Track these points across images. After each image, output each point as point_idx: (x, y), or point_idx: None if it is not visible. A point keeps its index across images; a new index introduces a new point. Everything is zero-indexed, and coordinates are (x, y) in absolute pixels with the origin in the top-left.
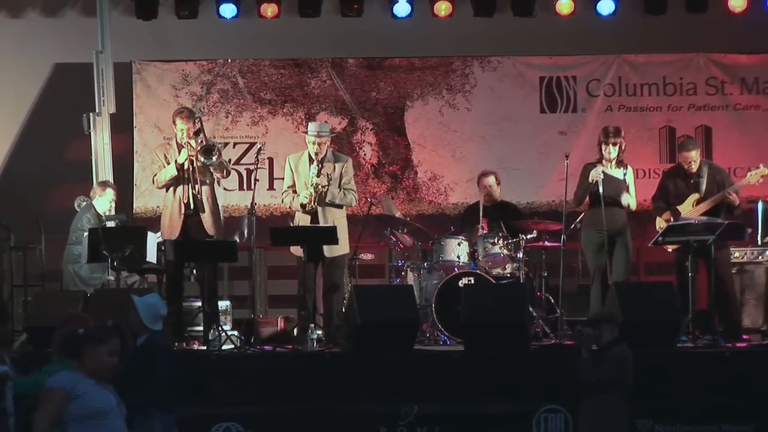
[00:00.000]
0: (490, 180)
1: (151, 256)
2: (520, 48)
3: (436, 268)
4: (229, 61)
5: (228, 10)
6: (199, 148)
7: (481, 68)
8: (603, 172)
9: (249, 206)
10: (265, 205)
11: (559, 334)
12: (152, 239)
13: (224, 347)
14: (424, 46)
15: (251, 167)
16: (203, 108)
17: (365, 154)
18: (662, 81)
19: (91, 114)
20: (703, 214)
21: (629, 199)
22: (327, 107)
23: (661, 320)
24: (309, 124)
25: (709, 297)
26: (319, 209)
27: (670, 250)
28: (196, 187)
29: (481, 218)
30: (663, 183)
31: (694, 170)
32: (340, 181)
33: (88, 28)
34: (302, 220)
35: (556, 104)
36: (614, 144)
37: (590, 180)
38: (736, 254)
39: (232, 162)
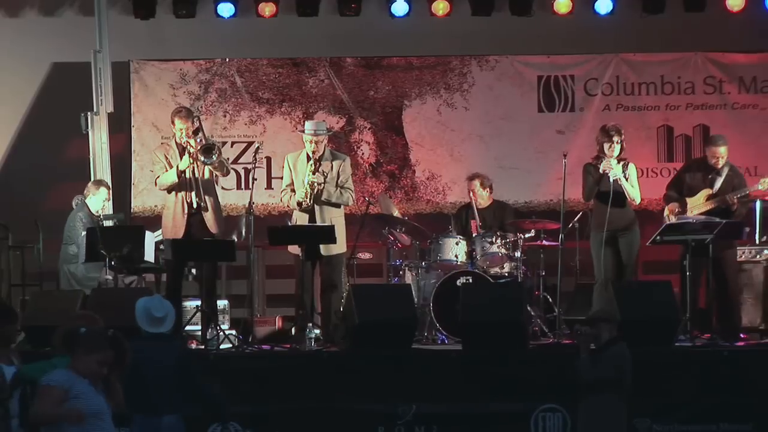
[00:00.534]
0: (474, 184)
1: (149, 255)
2: (518, 47)
3: (434, 267)
4: (227, 60)
5: (226, 10)
6: (199, 147)
7: (479, 67)
8: (596, 182)
9: (247, 205)
10: (263, 205)
11: (557, 333)
12: (150, 238)
13: (222, 346)
14: (422, 45)
15: (249, 166)
16: (201, 107)
17: (363, 154)
18: (660, 80)
19: (89, 113)
20: (708, 212)
21: (632, 191)
22: (325, 106)
23: (660, 319)
24: (306, 122)
25: (708, 296)
26: (316, 208)
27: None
28: (200, 188)
29: (471, 219)
30: (680, 173)
31: (718, 166)
32: (338, 179)
33: (86, 27)
34: (300, 218)
35: (554, 103)
36: (616, 142)
37: (601, 170)
38: None
39: (230, 161)
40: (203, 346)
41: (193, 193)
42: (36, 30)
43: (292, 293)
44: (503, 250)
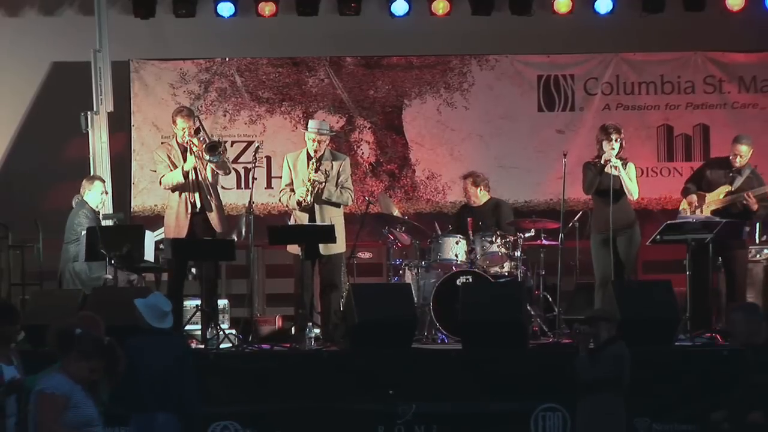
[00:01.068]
0: (467, 183)
1: (149, 254)
2: (518, 46)
3: (434, 266)
4: (227, 59)
5: (226, 9)
6: (203, 145)
7: (479, 67)
8: (603, 169)
9: (247, 205)
10: (263, 204)
11: (557, 332)
12: (150, 238)
13: (222, 346)
14: (422, 44)
15: (249, 166)
16: (201, 107)
17: (363, 153)
18: (660, 79)
19: (88, 113)
20: (725, 209)
21: (631, 185)
22: (325, 106)
23: (659, 319)
24: (309, 121)
25: (708, 295)
26: (316, 207)
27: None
28: (206, 189)
29: (466, 218)
30: (702, 168)
31: (738, 164)
32: (338, 179)
33: (86, 26)
34: (300, 218)
35: (554, 103)
36: (616, 140)
37: (603, 161)
38: None
39: (230, 161)
40: (203, 346)
41: (197, 194)
42: (36, 29)
43: (291, 293)
44: (503, 250)
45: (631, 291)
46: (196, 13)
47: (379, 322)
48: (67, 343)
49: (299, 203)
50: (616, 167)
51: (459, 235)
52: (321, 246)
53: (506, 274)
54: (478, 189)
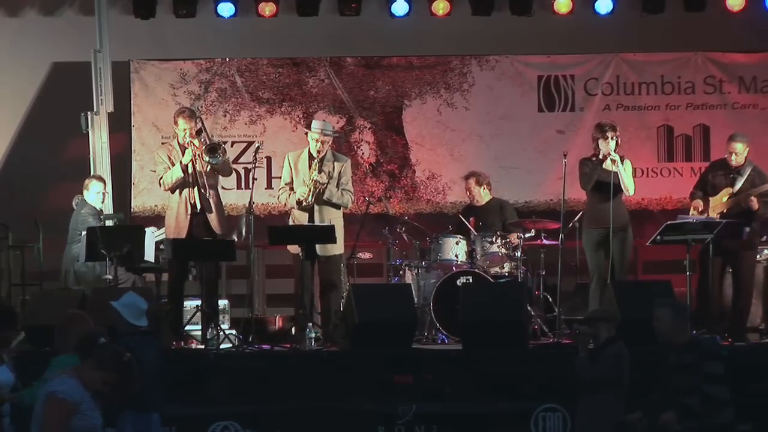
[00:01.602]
0: (470, 183)
1: (149, 254)
2: (518, 47)
3: (434, 267)
4: (227, 60)
5: (226, 9)
6: (203, 147)
7: (479, 67)
8: (601, 167)
9: (247, 205)
10: (263, 204)
11: (557, 332)
12: (150, 238)
13: (222, 346)
14: (422, 45)
15: (249, 166)
16: (201, 107)
17: (363, 153)
18: (660, 80)
19: (89, 113)
20: (728, 211)
21: (628, 180)
22: (325, 106)
23: None
24: (313, 121)
25: (707, 295)
26: (316, 207)
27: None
28: (203, 187)
29: (470, 217)
30: (705, 173)
31: (734, 163)
32: (339, 181)
33: (86, 27)
34: (298, 218)
35: (554, 103)
36: (611, 138)
37: (602, 155)
38: None
39: (230, 161)
40: (203, 346)
41: (196, 193)
42: (36, 30)
43: (291, 293)
44: (503, 250)
45: (631, 291)
46: (196, 14)
47: (380, 322)
48: (88, 348)
49: (299, 202)
50: (615, 161)
51: (459, 236)
52: (318, 247)
53: (506, 274)
54: (482, 188)
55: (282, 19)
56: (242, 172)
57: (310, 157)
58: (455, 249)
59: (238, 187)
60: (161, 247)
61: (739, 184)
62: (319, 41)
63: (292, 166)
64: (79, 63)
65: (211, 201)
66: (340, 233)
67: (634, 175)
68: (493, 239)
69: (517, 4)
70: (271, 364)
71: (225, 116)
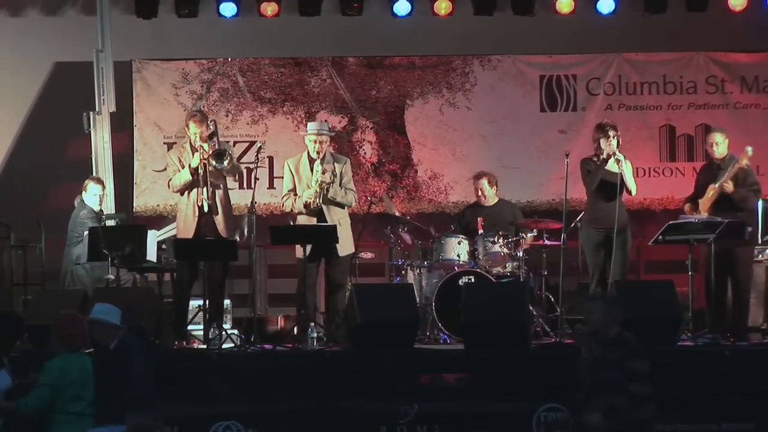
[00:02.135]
0: (482, 183)
1: (151, 254)
2: (521, 47)
3: (436, 266)
4: (229, 59)
5: (228, 9)
6: (210, 152)
7: (481, 67)
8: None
9: (249, 205)
10: (265, 204)
11: (559, 332)
12: (152, 238)
13: (224, 346)
14: (424, 44)
15: (251, 166)
16: (203, 107)
17: (365, 153)
18: (662, 80)
19: (91, 113)
20: (714, 204)
21: (630, 181)
22: (327, 106)
23: (661, 319)
24: (308, 123)
25: (708, 295)
26: (324, 208)
27: None
28: (210, 190)
29: (478, 217)
30: (696, 178)
31: (716, 155)
32: (341, 180)
33: (88, 26)
34: (308, 221)
35: (556, 103)
36: (613, 137)
37: (606, 154)
38: None
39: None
40: (206, 346)
41: (204, 193)
42: (38, 29)
43: (294, 293)
44: (505, 250)
45: (632, 291)
46: (198, 13)
47: (382, 322)
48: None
49: (307, 206)
50: (619, 161)
51: (461, 236)
52: (337, 246)
53: (508, 274)
54: (492, 189)
55: (284, 19)
56: (244, 172)
57: (310, 160)
58: (457, 249)
59: (240, 187)
60: (163, 246)
61: (721, 178)
62: (321, 41)
63: (293, 172)
64: (81, 63)
65: (218, 203)
66: (348, 232)
67: (636, 175)
68: (495, 239)
69: (519, 3)
70: (273, 364)
71: (227, 116)
